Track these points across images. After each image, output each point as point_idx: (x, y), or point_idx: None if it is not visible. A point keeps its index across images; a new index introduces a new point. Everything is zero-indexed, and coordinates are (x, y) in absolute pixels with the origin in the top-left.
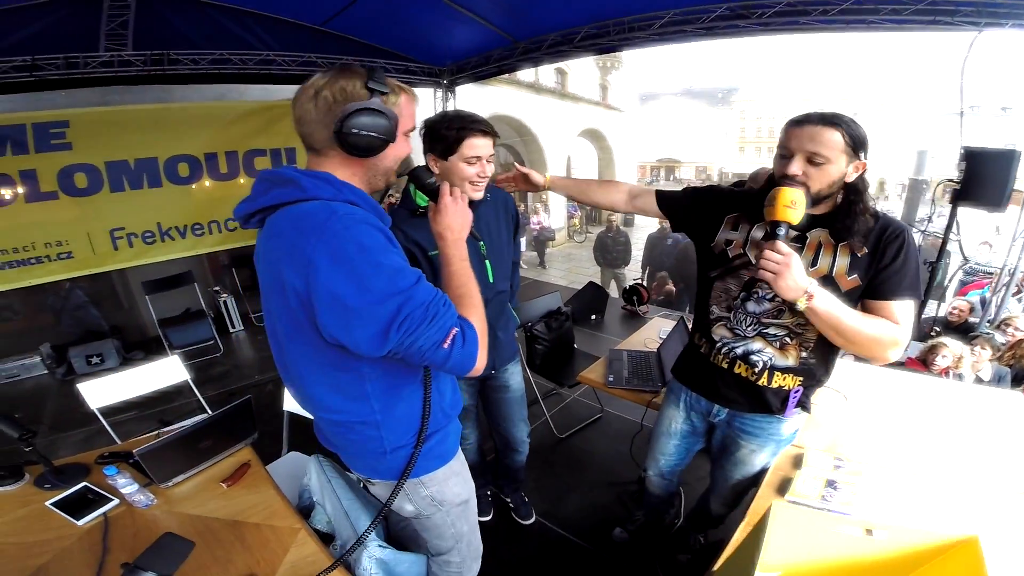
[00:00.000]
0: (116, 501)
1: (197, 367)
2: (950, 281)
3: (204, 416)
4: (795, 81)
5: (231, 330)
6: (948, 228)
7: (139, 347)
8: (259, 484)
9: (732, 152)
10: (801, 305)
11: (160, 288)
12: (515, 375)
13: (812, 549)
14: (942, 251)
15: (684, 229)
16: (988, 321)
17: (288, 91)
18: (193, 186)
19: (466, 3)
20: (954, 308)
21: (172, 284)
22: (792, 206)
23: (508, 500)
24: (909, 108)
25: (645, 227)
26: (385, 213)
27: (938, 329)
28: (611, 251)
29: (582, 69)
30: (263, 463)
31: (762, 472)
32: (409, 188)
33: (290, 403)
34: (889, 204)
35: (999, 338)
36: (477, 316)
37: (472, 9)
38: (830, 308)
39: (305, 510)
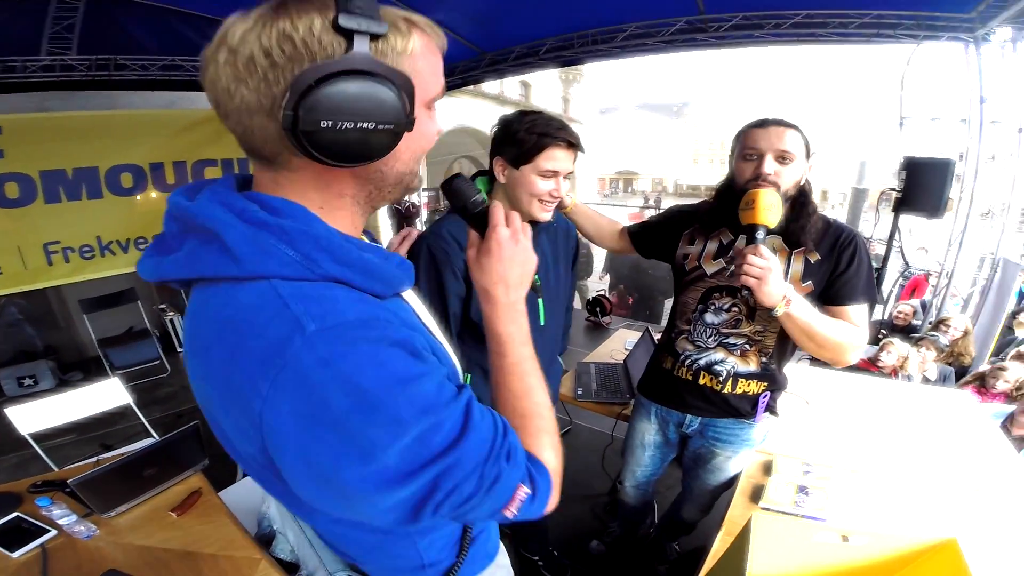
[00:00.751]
0: (54, 532)
1: (142, 388)
2: (894, 287)
3: (147, 443)
4: (743, 95)
5: (179, 349)
6: (891, 236)
7: (77, 368)
8: (212, 513)
9: (686, 164)
10: (780, 311)
11: (100, 306)
12: None
13: (794, 558)
14: (887, 258)
15: (652, 256)
16: (930, 323)
17: None
18: (137, 197)
19: (432, 14)
20: (899, 312)
21: (113, 302)
22: (770, 208)
23: (536, 558)
24: (849, 119)
25: None
26: (403, 268)
27: (884, 332)
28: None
29: (545, 82)
30: (217, 490)
31: (736, 476)
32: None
33: None
34: (833, 213)
35: (942, 340)
36: (551, 447)
37: (441, 20)
38: (806, 314)
39: (265, 538)
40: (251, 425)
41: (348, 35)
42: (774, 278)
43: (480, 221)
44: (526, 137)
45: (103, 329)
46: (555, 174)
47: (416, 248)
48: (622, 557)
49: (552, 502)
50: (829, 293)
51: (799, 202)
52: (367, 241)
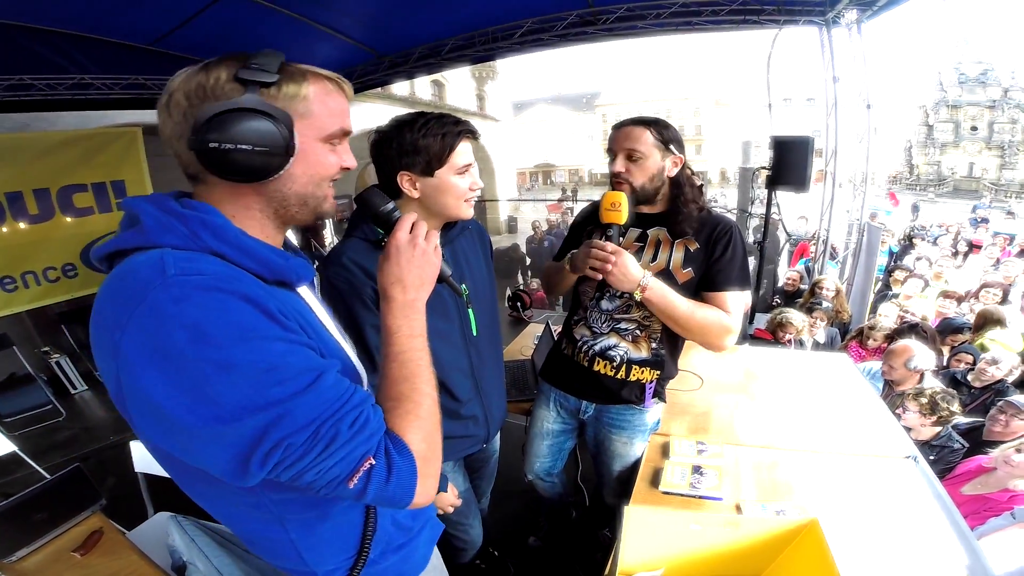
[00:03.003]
0: None
1: (36, 434)
2: (780, 253)
3: (29, 489)
4: (647, 83)
5: (72, 391)
6: (768, 209)
7: None
8: (118, 550)
9: (599, 154)
10: (637, 296)
11: None
12: (497, 439)
13: (666, 548)
14: (766, 231)
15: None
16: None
17: (111, 117)
18: None
19: (322, 19)
20: (788, 278)
21: None
22: (613, 208)
23: (478, 561)
24: (742, 102)
25: (526, 232)
26: (294, 263)
27: (779, 300)
28: (499, 262)
29: (459, 80)
30: (130, 527)
31: (640, 460)
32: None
33: (143, 463)
34: (731, 192)
35: (826, 304)
36: (421, 429)
37: (329, 25)
38: (663, 296)
39: (180, 569)
40: (110, 354)
41: (244, 84)
42: (622, 267)
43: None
44: (431, 142)
45: None
46: (468, 167)
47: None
48: (559, 549)
49: (422, 491)
50: (705, 280)
51: (673, 194)
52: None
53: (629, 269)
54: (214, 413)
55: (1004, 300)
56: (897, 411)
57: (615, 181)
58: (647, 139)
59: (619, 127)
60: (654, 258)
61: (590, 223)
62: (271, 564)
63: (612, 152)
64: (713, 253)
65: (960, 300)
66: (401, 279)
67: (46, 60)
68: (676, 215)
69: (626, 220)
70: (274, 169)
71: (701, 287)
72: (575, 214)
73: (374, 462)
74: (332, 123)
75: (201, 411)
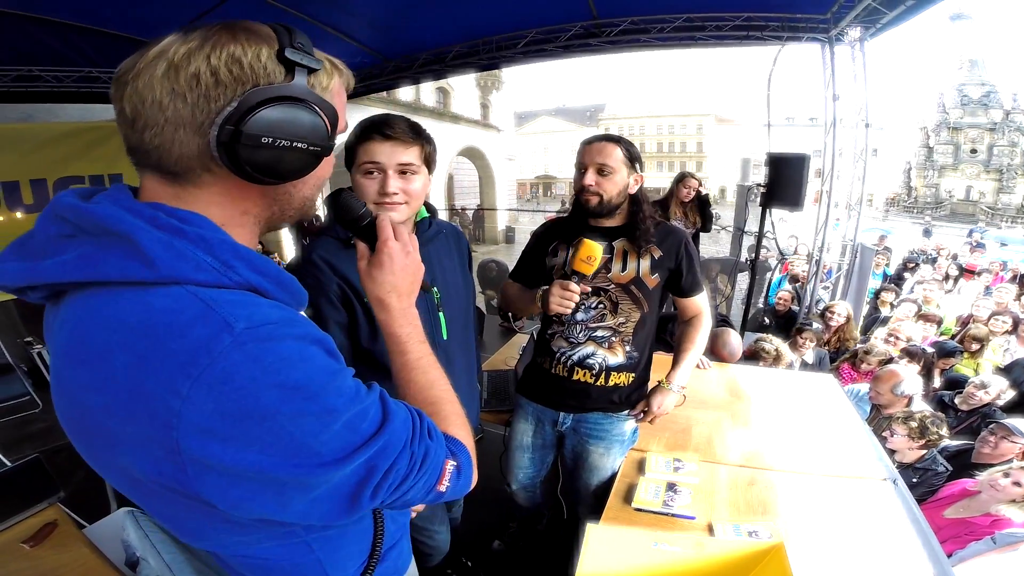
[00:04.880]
0: None
1: (13, 425)
2: (773, 272)
3: None
4: (651, 99)
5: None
6: (761, 228)
7: None
8: (70, 543)
9: None
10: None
11: None
12: None
13: (633, 567)
14: (758, 250)
15: (536, 284)
16: (805, 308)
17: (113, 111)
18: None
19: (330, 20)
20: (779, 298)
21: None
22: (588, 261)
23: (449, 571)
24: (745, 121)
25: (523, 243)
26: (295, 281)
27: (768, 320)
28: (489, 273)
29: (464, 88)
30: (89, 521)
31: (615, 476)
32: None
33: None
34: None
35: (816, 325)
36: (461, 425)
37: (337, 27)
38: (690, 371)
39: (133, 565)
40: (160, 432)
41: (290, 66)
42: (665, 408)
43: (368, 233)
44: (349, 140)
45: None
46: (375, 166)
47: None
48: (523, 553)
49: (474, 478)
50: (679, 289)
51: (632, 210)
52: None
53: (669, 404)
54: (319, 462)
55: (1015, 329)
56: (884, 434)
57: (585, 194)
58: (617, 155)
59: (590, 142)
60: (624, 267)
61: (553, 238)
62: None
63: (582, 166)
64: (678, 265)
65: (939, 323)
66: (396, 287)
67: (55, 52)
68: (635, 228)
69: (592, 273)
70: (308, 170)
71: (675, 294)
72: None
73: (456, 461)
74: (342, 120)
75: (306, 463)
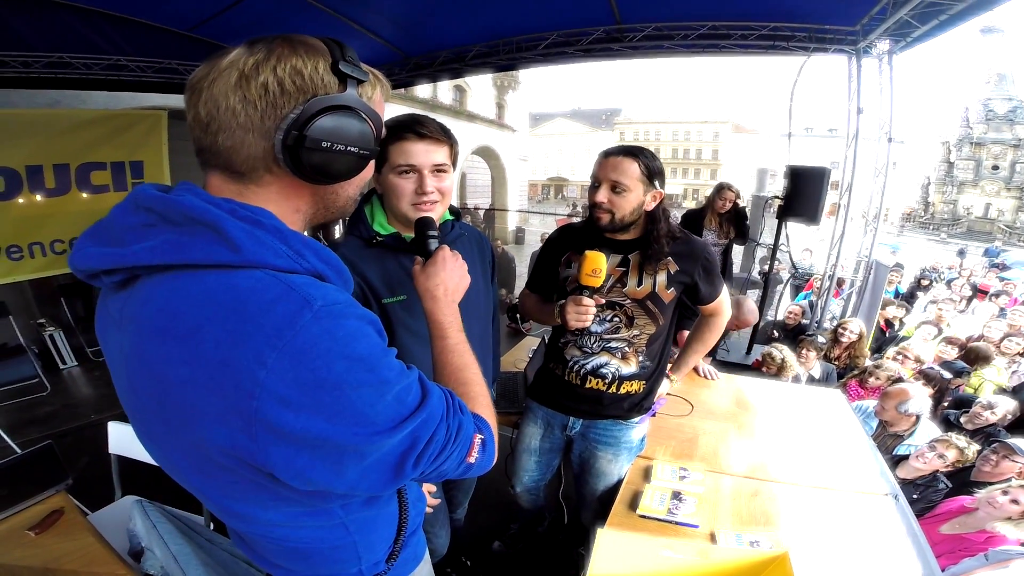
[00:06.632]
0: None
1: (18, 408)
2: (785, 286)
3: None
4: (668, 104)
5: (61, 366)
6: (776, 241)
7: None
8: (75, 531)
9: None
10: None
11: None
12: None
13: (642, 572)
14: (772, 263)
15: (552, 295)
16: (816, 322)
17: (139, 99)
18: (11, 202)
19: (355, 15)
20: (789, 312)
21: None
22: (594, 274)
23: (448, 570)
24: (762, 129)
25: (533, 244)
26: (347, 270)
27: (777, 333)
28: (499, 271)
29: (480, 88)
30: (95, 509)
31: (621, 482)
32: (364, 209)
33: (119, 445)
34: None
35: (820, 339)
36: (487, 406)
37: (361, 23)
38: (688, 366)
39: (138, 555)
40: (242, 401)
41: (342, 78)
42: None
43: (425, 251)
44: (384, 141)
45: None
46: (412, 168)
47: None
48: (523, 555)
49: (495, 454)
50: (696, 299)
51: (647, 228)
52: None
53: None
54: (374, 431)
55: None
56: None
57: (597, 211)
58: (634, 172)
59: (607, 155)
60: (639, 282)
61: (566, 247)
62: (319, 574)
63: (596, 180)
64: (696, 277)
65: (963, 346)
66: (446, 282)
67: (86, 40)
68: (648, 248)
69: (599, 285)
70: (355, 172)
71: (696, 303)
72: None
73: (482, 435)
74: (381, 128)
75: (364, 431)
